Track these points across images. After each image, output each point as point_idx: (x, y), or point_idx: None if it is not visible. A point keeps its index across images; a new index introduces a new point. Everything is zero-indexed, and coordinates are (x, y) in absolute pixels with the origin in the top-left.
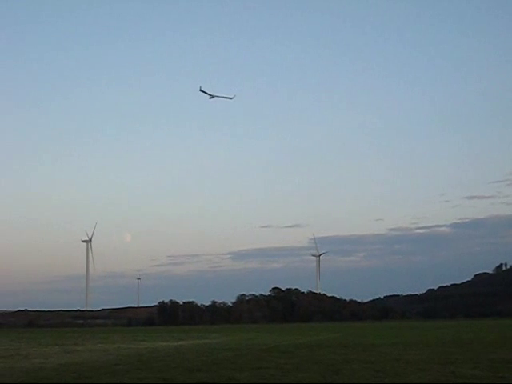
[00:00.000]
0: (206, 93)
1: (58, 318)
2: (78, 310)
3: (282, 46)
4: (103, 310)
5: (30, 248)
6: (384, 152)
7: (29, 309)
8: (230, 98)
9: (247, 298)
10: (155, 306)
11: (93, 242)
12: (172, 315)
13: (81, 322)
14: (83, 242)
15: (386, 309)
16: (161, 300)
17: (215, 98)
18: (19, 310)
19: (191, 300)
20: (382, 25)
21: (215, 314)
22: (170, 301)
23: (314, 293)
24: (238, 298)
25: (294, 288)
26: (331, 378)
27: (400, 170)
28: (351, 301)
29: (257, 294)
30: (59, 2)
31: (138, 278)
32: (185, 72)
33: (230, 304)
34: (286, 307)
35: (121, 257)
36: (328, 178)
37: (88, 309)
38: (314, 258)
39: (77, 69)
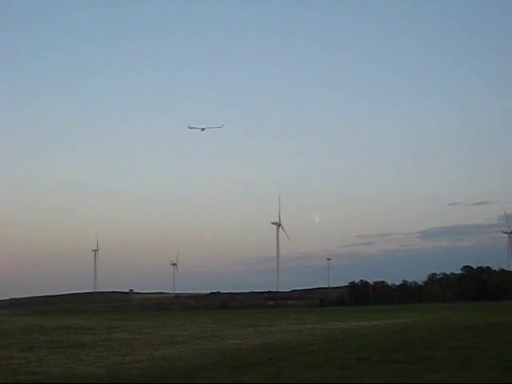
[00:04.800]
0: (195, 128)
1: (249, 300)
2: (270, 292)
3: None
4: (294, 291)
5: (221, 231)
6: None
7: (221, 291)
8: (219, 128)
9: (438, 277)
10: (346, 286)
11: (283, 224)
12: (363, 295)
13: (272, 303)
14: (273, 224)
15: None
16: (351, 280)
17: (206, 130)
18: (212, 293)
19: (381, 280)
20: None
21: (406, 294)
22: (361, 281)
23: (506, 271)
24: (428, 277)
25: (485, 266)
26: None
27: None
28: None
29: (447, 272)
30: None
31: (328, 259)
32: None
33: (420, 283)
34: (478, 286)
35: (310, 238)
36: None
37: (279, 290)
38: (506, 235)
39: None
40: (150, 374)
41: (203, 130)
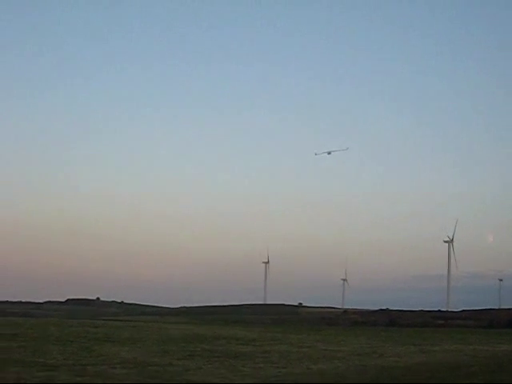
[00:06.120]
0: (322, 153)
1: (418, 318)
2: (439, 311)
3: None
4: (464, 311)
5: (392, 247)
6: None
7: (390, 308)
8: (345, 150)
9: None
10: None
11: (454, 242)
12: None
13: (441, 322)
14: (445, 242)
15: None
16: None
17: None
18: (381, 309)
19: None
20: None
21: None
22: None
23: None
24: None
25: None
26: None
27: None
28: None
29: None
30: None
31: (500, 279)
32: None
33: None
34: None
35: (482, 257)
36: None
37: (449, 309)
38: None
39: None
40: None
41: (330, 153)
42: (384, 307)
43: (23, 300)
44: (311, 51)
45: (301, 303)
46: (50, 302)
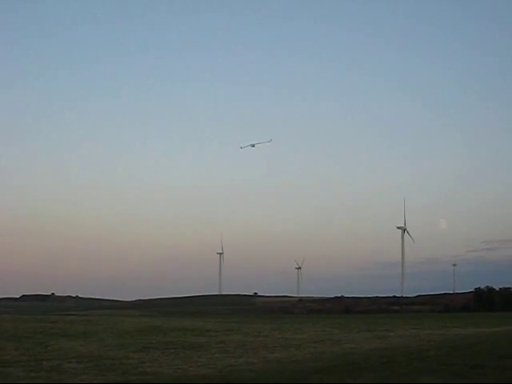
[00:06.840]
0: (246, 146)
1: (373, 305)
2: (394, 297)
3: None
4: (419, 296)
5: (346, 235)
6: None
7: (345, 295)
8: (269, 142)
9: None
10: (471, 292)
11: (408, 228)
12: (488, 301)
13: (396, 308)
14: (398, 228)
15: None
16: (476, 286)
17: (257, 145)
18: (336, 297)
19: (508, 286)
20: None
21: None
22: (487, 287)
23: None
24: None
25: None
26: None
27: None
28: None
29: None
30: None
31: (454, 265)
32: None
33: None
34: None
35: (436, 243)
36: None
37: (404, 295)
38: None
39: None
40: (260, 376)
41: (253, 146)
42: (339, 295)
43: None
44: (234, 46)
45: (256, 293)
46: (4, 298)
